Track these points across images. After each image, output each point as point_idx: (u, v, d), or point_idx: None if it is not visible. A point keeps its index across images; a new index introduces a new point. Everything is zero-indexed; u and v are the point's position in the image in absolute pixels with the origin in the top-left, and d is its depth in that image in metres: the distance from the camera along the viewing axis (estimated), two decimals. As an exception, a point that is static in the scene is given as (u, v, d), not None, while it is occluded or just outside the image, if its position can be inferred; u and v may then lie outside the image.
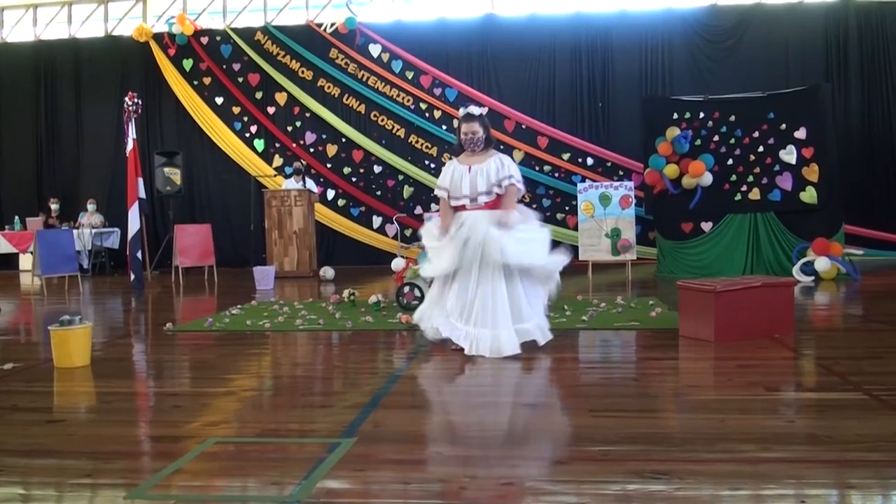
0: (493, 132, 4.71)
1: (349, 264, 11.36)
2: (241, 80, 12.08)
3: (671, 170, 8.76)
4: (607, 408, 3.20)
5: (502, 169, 4.45)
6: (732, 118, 8.77)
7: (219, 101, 12.12)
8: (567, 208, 11.17)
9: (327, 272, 9.61)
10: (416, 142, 11.68)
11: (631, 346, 4.71)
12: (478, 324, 4.29)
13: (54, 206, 11.87)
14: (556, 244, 4.58)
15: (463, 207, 4.48)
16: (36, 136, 12.75)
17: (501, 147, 8.88)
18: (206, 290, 8.81)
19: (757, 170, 8.66)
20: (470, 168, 4.48)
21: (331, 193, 11.87)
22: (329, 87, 11.86)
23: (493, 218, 4.39)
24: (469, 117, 4.51)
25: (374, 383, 3.71)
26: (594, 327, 5.24)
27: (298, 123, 12.02)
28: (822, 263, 7.94)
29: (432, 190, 11.08)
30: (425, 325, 4.57)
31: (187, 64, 12.18)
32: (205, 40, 12.16)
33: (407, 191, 11.76)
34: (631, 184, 9.35)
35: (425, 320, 4.57)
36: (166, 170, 11.19)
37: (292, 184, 10.34)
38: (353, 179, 11.86)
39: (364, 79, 11.76)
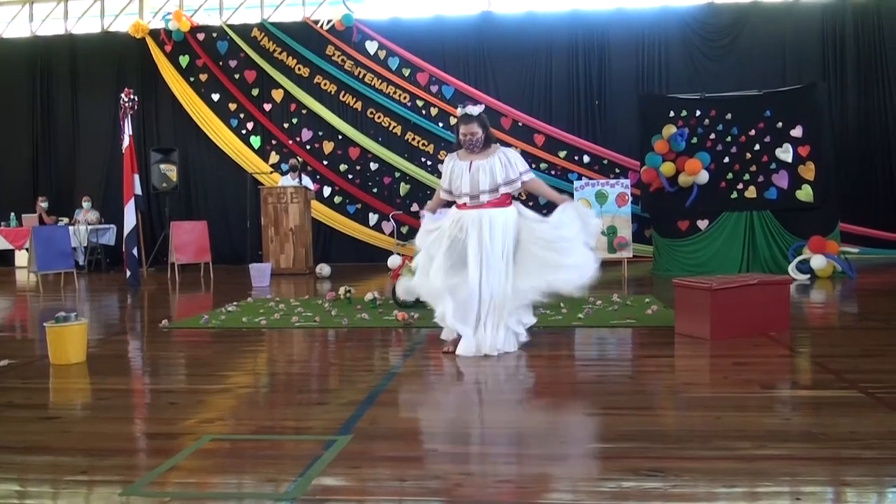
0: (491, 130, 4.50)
1: (345, 261, 11.36)
2: (237, 76, 12.05)
3: (667, 168, 8.76)
4: (603, 405, 3.20)
5: (510, 167, 4.26)
6: (729, 116, 8.77)
7: (215, 97, 12.09)
8: (563, 206, 11.14)
9: (323, 269, 9.60)
10: (413, 139, 11.66)
11: (627, 344, 4.72)
12: (478, 323, 4.19)
13: (44, 205, 11.79)
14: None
15: (464, 206, 4.29)
16: (32, 133, 12.69)
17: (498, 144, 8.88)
18: (202, 287, 8.80)
19: (753, 168, 8.66)
20: (470, 165, 4.27)
21: (327, 190, 11.85)
22: (325, 84, 11.84)
23: (505, 216, 4.26)
24: (467, 118, 4.28)
25: (370, 380, 3.71)
26: (590, 325, 5.23)
27: (295, 120, 11.99)
28: (817, 261, 7.95)
29: (429, 187, 11.10)
30: (443, 324, 4.30)
31: (183, 60, 12.13)
32: (201, 37, 12.13)
33: (403, 188, 11.75)
34: (627, 181, 9.35)
35: (444, 321, 4.27)
36: (162, 166, 11.17)
37: (288, 181, 10.32)
38: (350, 176, 11.85)
39: (361, 76, 11.74)
